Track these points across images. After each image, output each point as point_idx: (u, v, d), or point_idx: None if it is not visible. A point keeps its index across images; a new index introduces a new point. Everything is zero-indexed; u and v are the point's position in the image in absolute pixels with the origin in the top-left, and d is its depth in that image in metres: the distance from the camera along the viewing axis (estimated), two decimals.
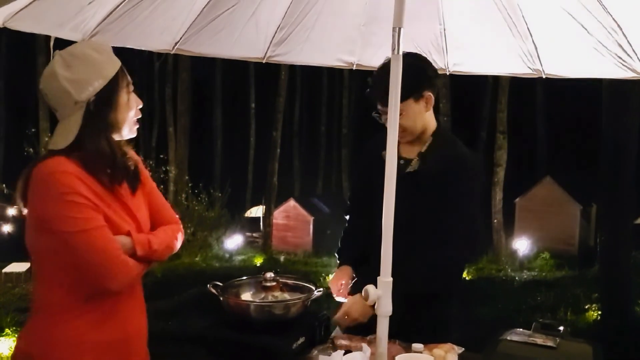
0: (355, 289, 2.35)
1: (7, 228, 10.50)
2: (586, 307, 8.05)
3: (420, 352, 1.73)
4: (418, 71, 2.09)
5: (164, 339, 1.96)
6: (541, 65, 2.56)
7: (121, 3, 2.31)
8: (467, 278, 10.78)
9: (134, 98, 1.67)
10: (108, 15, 2.34)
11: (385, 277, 1.72)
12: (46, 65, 1.60)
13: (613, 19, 2.20)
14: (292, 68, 17.90)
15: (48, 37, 2.30)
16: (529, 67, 2.58)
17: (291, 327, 1.96)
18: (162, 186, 14.43)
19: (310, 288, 2.13)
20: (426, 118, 2.21)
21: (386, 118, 2.16)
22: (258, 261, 13.64)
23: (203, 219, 14.13)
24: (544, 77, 2.60)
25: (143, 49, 2.66)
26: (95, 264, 1.48)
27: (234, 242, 14.72)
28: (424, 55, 2.65)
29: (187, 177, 15.37)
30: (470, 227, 2.18)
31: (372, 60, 2.68)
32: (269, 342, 1.87)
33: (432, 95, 2.17)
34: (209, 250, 13.90)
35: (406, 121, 2.10)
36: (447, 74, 2.82)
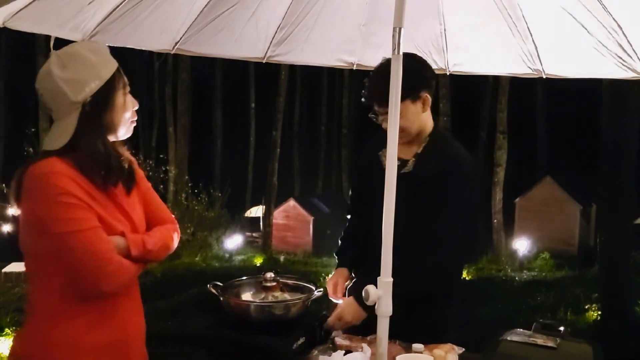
0: (354, 290, 2.36)
1: (7, 228, 10.50)
2: (586, 307, 8.05)
3: (421, 352, 1.73)
4: (415, 72, 2.09)
5: (163, 339, 1.96)
6: (541, 66, 2.56)
7: (121, 3, 2.31)
8: (467, 278, 10.78)
9: (130, 99, 1.66)
10: (108, 15, 2.34)
11: (386, 277, 1.72)
12: None
13: (613, 18, 2.20)
14: (292, 68, 17.89)
15: (48, 37, 2.30)
16: (529, 67, 2.58)
17: (291, 327, 1.96)
18: (161, 186, 14.43)
19: (311, 288, 2.13)
20: (423, 119, 2.21)
21: (383, 119, 2.17)
22: (258, 261, 13.63)
23: (203, 219, 14.11)
24: (544, 77, 2.60)
25: (143, 49, 2.66)
26: (89, 265, 1.47)
27: (233, 242, 14.71)
28: (424, 55, 2.66)
29: (187, 177, 15.35)
30: (465, 228, 2.18)
31: (373, 60, 2.68)
32: (269, 342, 1.87)
33: (429, 96, 2.18)
34: (209, 250, 13.89)
35: (403, 122, 2.10)
36: (447, 74, 2.81)
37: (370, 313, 2.03)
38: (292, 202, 17.61)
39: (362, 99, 2.22)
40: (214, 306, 2.06)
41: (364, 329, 2.02)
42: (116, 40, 2.44)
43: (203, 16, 2.52)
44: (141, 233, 1.66)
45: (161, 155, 15.43)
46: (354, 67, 2.87)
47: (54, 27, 2.27)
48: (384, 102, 2.09)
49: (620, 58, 2.34)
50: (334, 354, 1.79)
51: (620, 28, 2.23)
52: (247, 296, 2.14)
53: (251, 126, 23.79)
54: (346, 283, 2.39)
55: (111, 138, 1.63)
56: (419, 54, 2.59)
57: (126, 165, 1.65)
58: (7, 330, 6.38)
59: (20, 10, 2.06)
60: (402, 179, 1.91)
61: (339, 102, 24.81)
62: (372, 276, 1.77)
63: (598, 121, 7.91)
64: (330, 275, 2.41)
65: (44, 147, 1.56)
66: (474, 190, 2.23)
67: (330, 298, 2.31)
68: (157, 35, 2.55)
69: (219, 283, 2.10)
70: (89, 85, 1.53)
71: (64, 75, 1.51)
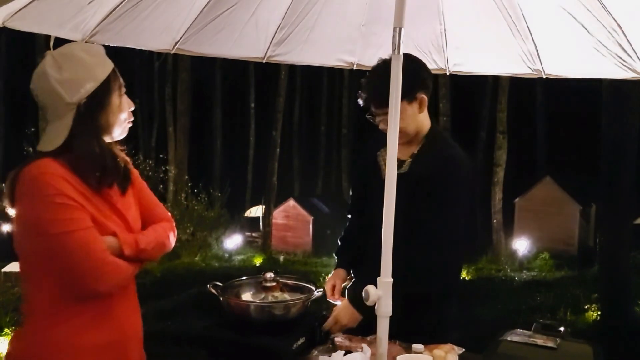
0: (352, 290, 2.36)
1: (7, 227, 10.50)
2: (586, 307, 8.05)
3: (421, 353, 1.73)
4: (411, 73, 2.08)
5: (163, 340, 1.96)
6: (541, 66, 2.55)
7: (121, 3, 2.31)
8: (466, 278, 10.79)
9: (125, 100, 1.66)
10: (108, 15, 2.33)
11: (386, 277, 1.72)
12: None
13: (613, 18, 2.20)
14: (292, 68, 17.89)
15: (48, 37, 2.29)
16: (529, 67, 2.58)
17: (291, 327, 1.96)
18: (161, 186, 14.44)
19: (310, 288, 2.13)
20: (420, 120, 2.21)
21: (380, 120, 2.17)
22: (257, 261, 13.63)
23: (202, 219, 14.12)
24: (544, 77, 2.59)
25: (143, 48, 2.66)
26: (84, 265, 1.47)
27: (233, 242, 14.71)
28: (424, 55, 2.66)
29: (186, 177, 15.37)
30: (461, 229, 2.18)
31: (373, 60, 2.66)
32: (269, 342, 1.87)
33: (425, 97, 2.17)
34: (209, 250, 13.89)
35: (400, 123, 2.09)
36: (447, 74, 2.81)
37: (365, 316, 2.04)
38: (291, 202, 17.61)
39: (358, 100, 2.21)
40: (213, 306, 2.06)
41: (364, 329, 2.02)
42: (116, 40, 2.44)
43: (203, 16, 2.51)
44: (136, 233, 1.65)
45: (161, 155, 15.45)
46: (354, 67, 2.87)
47: (53, 26, 2.27)
48: (381, 103, 2.09)
49: (620, 58, 2.34)
50: (333, 354, 1.79)
51: (621, 28, 2.23)
52: (247, 296, 2.14)
53: (251, 126, 23.79)
54: (344, 284, 2.39)
55: (106, 139, 1.62)
56: (419, 54, 2.59)
57: (122, 166, 1.65)
58: (6, 330, 6.38)
59: (20, 10, 2.06)
60: (398, 179, 1.91)
61: (338, 102, 24.80)
62: (370, 276, 1.77)
63: (598, 121, 7.91)
64: (329, 276, 2.42)
65: (38, 147, 1.55)
66: (469, 191, 2.23)
67: (329, 299, 2.31)
68: (157, 35, 2.55)
69: (218, 283, 2.10)
70: (84, 87, 1.52)
71: (59, 76, 1.51)
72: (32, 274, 1.55)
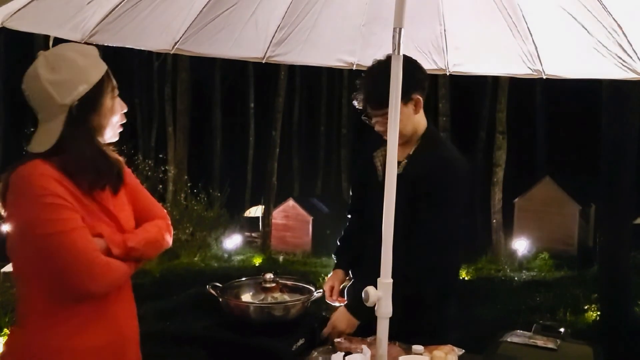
0: (351, 291, 2.36)
1: (7, 228, 10.49)
2: (585, 307, 8.04)
3: (421, 354, 1.72)
4: (406, 74, 2.08)
5: (162, 340, 1.96)
6: (541, 66, 2.55)
7: (120, 3, 2.30)
8: (466, 278, 10.79)
9: (118, 103, 1.64)
10: (107, 15, 2.33)
11: (386, 278, 1.71)
12: None
13: (613, 19, 2.20)
14: (292, 68, 17.88)
15: (47, 37, 2.29)
16: (529, 68, 2.58)
17: (291, 328, 1.96)
18: (161, 186, 14.44)
19: (310, 289, 2.13)
20: (415, 120, 2.20)
21: (375, 121, 2.17)
22: (257, 261, 13.63)
23: (202, 219, 14.11)
24: (544, 77, 2.59)
25: (142, 49, 2.66)
26: (75, 265, 1.45)
27: (233, 242, 14.70)
28: (424, 55, 2.66)
29: (186, 177, 15.35)
30: (457, 230, 2.18)
31: (372, 60, 2.68)
32: (269, 343, 1.87)
33: (420, 98, 2.17)
34: (208, 250, 13.88)
35: None
36: (447, 74, 2.81)
37: (362, 321, 2.04)
38: (291, 202, 17.60)
39: (354, 102, 2.21)
40: (213, 307, 2.06)
41: (364, 330, 2.02)
42: (115, 40, 2.43)
43: (203, 16, 2.51)
44: (129, 232, 1.63)
45: (160, 155, 15.44)
46: (354, 68, 2.86)
47: (53, 26, 2.26)
48: (376, 104, 2.09)
49: (620, 58, 2.34)
50: (333, 355, 1.78)
51: (621, 28, 2.22)
52: (246, 297, 2.14)
53: (250, 126, 23.79)
54: (343, 284, 2.39)
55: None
56: (418, 54, 2.59)
57: (114, 168, 1.63)
58: (5, 330, 6.38)
59: (19, 9, 2.05)
60: None
61: (338, 102, 24.79)
62: (369, 277, 1.77)
63: (598, 121, 7.91)
64: (328, 277, 2.42)
65: (29, 148, 1.54)
66: (466, 191, 2.22)
67: (328, 301, 2.31)
68: (157, 35, 2.55)
69: (218, 284, 2.09)
70: (77, 89, 1.51)
71: (51, 77, 1.49)
72: (25, 276, 1.54)
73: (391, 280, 1.71)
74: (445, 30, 2.61)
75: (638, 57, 2.30)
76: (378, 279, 1.72)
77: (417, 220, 2.08)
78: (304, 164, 25.84)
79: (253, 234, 17.39)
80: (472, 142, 18.71)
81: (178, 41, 2.58)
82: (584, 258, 12.79)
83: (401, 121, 2.11)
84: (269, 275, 2.14)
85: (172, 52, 2.65)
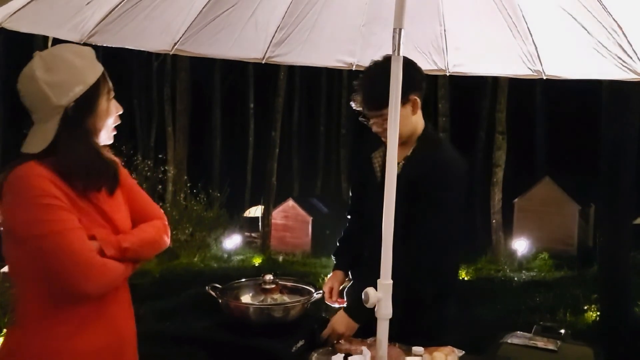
0: (351, 292, 2.35)
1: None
2: (585, 307, 8.03)
3: (421, 356, 1.72)
4: (403, 75, 2.08)
5: (162, 340, 1.96)
6: (541, 66, 2.55)
7: (120, 3, 2.30)
8: (465, 278, 10.77)
9: (114, 104, 1.64)
10: (107, 16, 2.33)
11: (386, 279, 1.71)
12: None
13: (614, 19, 2.19)
14: (291, 68, 17.86)
15: (46, 37, 2.29)
16: (530, 68, 2.58)
17: (291, 330, 1.96)
18: (160, 186, 14.42)
19: (310, 290, 2.13)
20: (413, 121, 2.20)
21: (373, 122, 2.17)
22: (256, 261, 13.61)
23: (202, 219, 14.08)
24: (544, 78, 2.59)
25: (142, 49, 2.65)
26: (72, 266, 1.44)
27: (232, 242, 14.68)
28: (424, 55, 2.65)
29: (185, 177, 15.32)
30: (453, 232, 2.17)
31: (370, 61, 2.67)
32: (269, 345, 1.87)
33: (418, 98, 2.16)
34: (208, 251, 13.87)
35: None
36: (447, 74, 2.81)
37: (361, 324, 2.03)
38: (291, 202, 17.58)
39: (351, 103, 2.20)
40: (212, 307, 2.05)
41: (364, 331, 2.02)
42: (115, 40, 2.43)
43: (202, 16, 2.50)
44: (125, 233, 1.62)
45: (160, 155, 15.42)
46: (354, 68, 2.86)
47: (52, 27, 2.26)
48: (373, 106, 2.09)
49: (621, 59, 2.34)
50: (333, 357, 1.78)
51: (621, 28, 2.22)
52: (246, 298, 2.13)
53: (250, 126, 23.77)
54: (343, 285, 2.39)
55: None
56: (418, 54, 2.59)
57: (110, 169, 1.62)
58: (5, 330, 6.37)
59: (18, 10, 2.05)
60: None
61: (338, 102, 24.79)
62: (368, 278, 1.77)
63: (597, 121, 7.90)
64: (327, 277, 2.42)
65: (23, 149, 1.53)
66: (463, 192, 2.22)
67: (327, 302, 2.31)
68: (156, 36, 2.54)
69: (217, 285, 2.09)
70: (73, 90, 1.50)
71: (47, 78, 1.49)
72: (22, 277, 1.53)
73: (391, 282, 1.71)
74: (445, 31, 2.61)
75: (638, 58, 2.30)
76: (378, 280, 1.71)
77: (415, 221, 2.08)
78: (303, 164, 25.83)
79: (253, 234, 17.37)
80: (472, 142, 18.69)
81: (178, 42, 2.57)
82: (584, 258, 12.78)
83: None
84: (269, 277, 2.14)
85: (171, 53, 2.65)
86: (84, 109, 1.53)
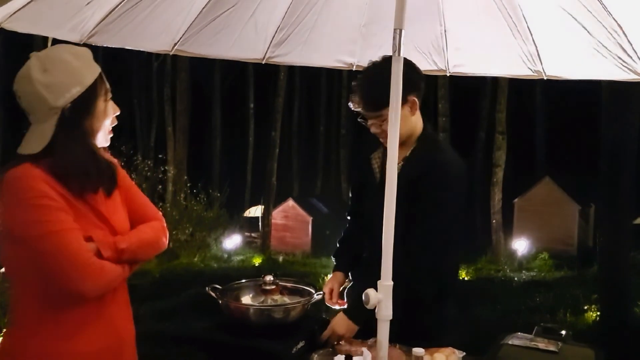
0: (351, 293, 2.35)
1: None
2: (585, 307, 8.03)
3: (421, 357, 1.72)
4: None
5: (162, 340, 1.96)
6: (542, 67, 2.55)
7: (120, 3, 2.29)
8: (465, 278, 10.77)
9: (111, 106, 1.63)
10: (106, 16, 2.32)
11: (386, 280, 1.70)
12: None
13: (614, 19, 2.19)
14: (291, 68, 17.85)
15: (46, 37, 2.28)
16: (530, 69, 2.57)
17: (291, 331, 1.95)
18: (160, 186, 14.43)
19: (310, 291, 2.13)
20: (412, 122, 2.19)
21: (372, 123, 2.16)
22: (256, 262, 13.61)
23: (202, 219, 14.08)
24: (545, 78, 2.58)
25: (142, 50, 2.65)
26: (69, 267, 1.44)
27: (232, 242, 14.68)
28: (424, 56, 2.65)
29: (185, 177, 15.32)
30: (452, 233, 2.17)
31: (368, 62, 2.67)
32: (269, 346, 1.86)
33: (416, 99, 2.15)
34: (208, 251, 13.86)
35: None
36: (447, 75, 2.80)
37: (361, 326, 2.03)
38: (291, 202, 17.58)
39: (349, 104, 2.19)
40: (212, 308, 2.05)
41: (364, 333, 2.01)
42: (115, 41, 2.42)
43: (202, 17, 2.50)
44: (123, 235, 1.62)
45: (160, 155, 15.43)
46: (354, 68, 2.86)
47: (51, 27, 2.26)
48: (372, 106, 2.08)
49: (621, 59, 2.33)
50: (334, 358, 1.77)
51: (621, 28, 2.22)
52: (246, 299, 2.13)
53: (250, 126, 23.77)
54: (343, 286, 2.38)
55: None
56: (419, 55, 2.59)
57: (107, 171, 1.62)
58: (4, 330, 6.37)
59: (18, 10, 2.05)
60: None
61: (337, 102, 24.79)
62: (368, 279, 1.76)
63: (597, 121, 7.90)
64: (327, 278, 2.41)
65: (19, 150, 1.52)
66: (462, 193, 2.21)
67: (327, 303, 2.31)
68: (156, 36, 2.54)
69: (217, 286, 2.08)
70: (70, 91, 1.49)
71: (44, 79, 1.48)
72: (19, 278, 1.53)
73: (391, 283, 1.70)
74: (445, 31, 2.60)
75: (638, 58, 2.29)
76: (378, 282, 1.71)
77: (415, 222, 2.07)
78: (303, 164, 25.83)
79: (253, 234, 17.37)
80: (472, 142, 18.70)
81: (177, 42, 2.57)
82: (584, 258, 12.78)
83: None
84: (269, 278, 2.13)
85: (171, 53, 2.64)
86: (81, 110, 1.53)
